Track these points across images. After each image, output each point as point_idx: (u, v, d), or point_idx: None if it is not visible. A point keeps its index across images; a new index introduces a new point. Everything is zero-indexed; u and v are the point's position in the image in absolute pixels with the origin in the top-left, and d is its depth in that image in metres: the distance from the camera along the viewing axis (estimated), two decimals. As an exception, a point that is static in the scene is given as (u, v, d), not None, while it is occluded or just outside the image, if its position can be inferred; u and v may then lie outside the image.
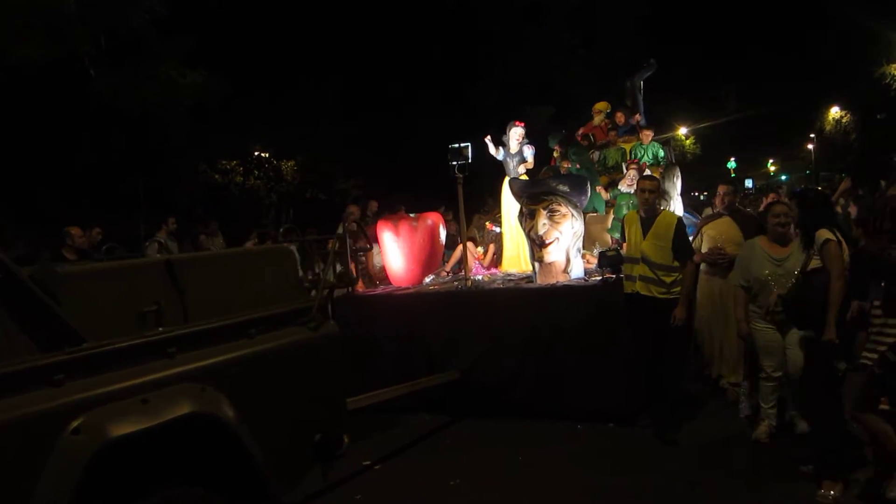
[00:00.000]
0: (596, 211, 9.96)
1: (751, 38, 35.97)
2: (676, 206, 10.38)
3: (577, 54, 28.56)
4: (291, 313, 4.22)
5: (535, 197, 7.20)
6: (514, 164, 8.63)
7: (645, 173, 8.83)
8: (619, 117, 12.16)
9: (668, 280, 6.17)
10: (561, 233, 7.15)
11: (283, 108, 24.85)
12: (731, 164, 45.46)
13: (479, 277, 8.13)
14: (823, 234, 4.93)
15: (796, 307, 5.11)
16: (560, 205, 7.12)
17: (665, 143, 12.32)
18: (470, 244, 9.05)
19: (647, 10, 29.54)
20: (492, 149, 8.70)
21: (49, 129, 21.02)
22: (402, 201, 13.59)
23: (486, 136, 8.63)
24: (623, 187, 9.61)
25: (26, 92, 19.44)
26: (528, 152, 8.66)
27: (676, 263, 6.17)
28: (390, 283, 8.29)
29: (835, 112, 40.48)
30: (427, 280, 8.11)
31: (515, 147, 8.68)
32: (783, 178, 54.71)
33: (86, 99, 20.70)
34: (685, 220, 7.03)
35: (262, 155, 26.28)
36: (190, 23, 21.18)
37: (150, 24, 20.04)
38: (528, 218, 7.27)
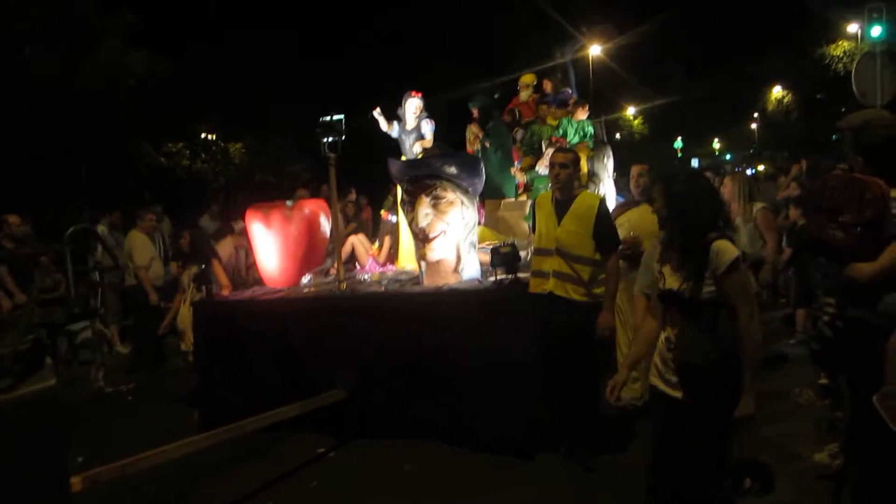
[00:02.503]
0: (505, 196, 8.30)
1: (696, 16, 34.48)
2: (607, 189, 8.86)
3: (527, 33, 26.81)
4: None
5: (417, 181, 5.49)
6: (411, 141, 6.94)
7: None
8: (547, 84, 10.42)
9: (588, 277, 4.60)
10: (448, 224, 5.46)
11: (231, 88, 22.93)
12: (678, 143, 44.08)
13: (367, 276, 6.45)
14: (728, 248, 3.12)
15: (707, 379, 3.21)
16: (446, 190, 5.41)
17: (597, 121, 10.70)
18: (362, 237, 7.40)
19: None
20: (383, 124, 7.00)
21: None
22: (354, 184, 12.13)
23: (374, 108, 6.92)
24: (541, 169, 7.95)
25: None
26: (427, 128, 6.97)
27: (598, 256, 4.61)
28: (264, 285, 6.57)
29: (777, 92, 39.25)
30: (305, 280, 6.41)
31: (412, 122, 7.00)
32: (728, 157, 53.49)
33: (21, 78, 18.71)
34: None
35: (209, 137, 24.29)
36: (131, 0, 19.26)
37: (87, 1, 18.17)
38: (409, 207, 5.57)
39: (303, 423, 5.26)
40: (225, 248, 6.73)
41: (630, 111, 38.45)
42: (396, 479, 4.87)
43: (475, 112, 9.02)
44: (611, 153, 9.28)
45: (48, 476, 2.92)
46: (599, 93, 25.88)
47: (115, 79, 19.15)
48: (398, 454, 5.20)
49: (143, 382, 8.09)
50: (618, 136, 36.24)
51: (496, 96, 10.93)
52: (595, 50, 26.64)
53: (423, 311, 5.25)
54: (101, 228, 10.31)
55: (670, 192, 3.26)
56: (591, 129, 9.43)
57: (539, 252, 4.78)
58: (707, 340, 3.08)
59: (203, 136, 24.21)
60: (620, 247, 4.98)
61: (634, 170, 5.72)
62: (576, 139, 9.26)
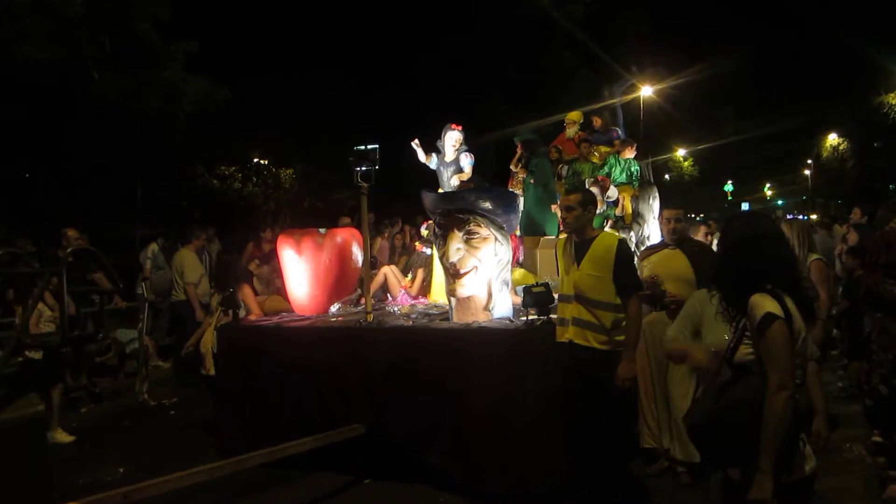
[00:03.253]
0: (546, 234, 8.02)
1: (752, 60, 33.93)
2: (653, 230, 8.55)
3: (577, 73, 26.61)
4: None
5: (449, 214, 5.26)
6: (449, 174, 6.75)
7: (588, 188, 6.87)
8: (597, 121, 10.21)
9: (609, 324, 4.26)
10: (480, 260, 5.21)
11: (285, 116, 23.23)
12: (729, 186, 43.08)
13: (396, 309, 6.22)
14: (762, 303, 2.58)
15: (707, 437, 2.72)
16: (480, 226, 5.18)
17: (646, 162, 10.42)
18: (395, 268, 7.19)
19: (650, 30, 27.43)
20: (421, 155, 6.84)
21: (50, 129, 19.76)
22: (399, 213, 12.15)
23: (413, 139, 6.76)
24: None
25: (28, 92, 18.03)
26: (466, 161, 6.79)
27: (619, 300, 4.25)
28: (293, 312, 6.39)
29: (832, 139, 38.26)
30: (333, 309, 6.22)
31: (451, 154, 6.82)
32: (780, 202, 52.22)
33: (88, 101, 19.28)
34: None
35: (262, 162, 24.58)
36: (192, 28, 19.69)
37: (153, 28, 18.62)
38: (440, 241, 5.34)
39: (316, 456, 5.03)
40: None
41: (680, 153, 37.79)
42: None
43: (520, 147, 8.82)
44: (656, 193, 8.98)
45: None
46: (649, 133, 25.49)
47: (174, 103, 19.52)
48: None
49: (186, 397, 8.07)
50: (667, 177, 35.66)
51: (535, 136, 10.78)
52: (646, 91, 26.31)
53: (449, 348, 4.98)
54: (154, 247, 10.45)
55: (725, 236, 2.89)
56: (636, 169, 9.16)
57: (561, 299, 4.53)
58: (712, 401, 2.64)
59: (255, 160, 24.51)
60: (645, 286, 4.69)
61: (668, 213, 5.26)
62: (622, 178, 9.00)
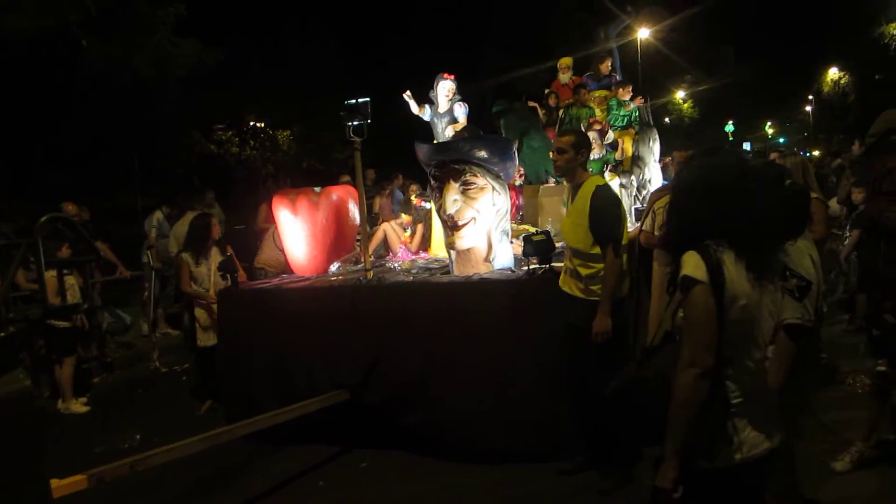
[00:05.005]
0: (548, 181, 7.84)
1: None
2: (654, 173, 8.43)
3: (574, 18, 26.02)
4: None
5: (445, 166, 5.10)
6: (443, 125, 6.56)
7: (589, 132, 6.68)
8: (605, 66, 9.95)
9: (586, 272, 4.09)
10: (478, 211, 5.07)
11: (278, 76, 22.80)
12: (729, 127, 42.49)
13: (397, 265, 6.10)
14: (685, 262, 2.18)
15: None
16: (476, 175, 5.02)
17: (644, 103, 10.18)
18: (394, 223, 7.06)
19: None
20: (414, 107, 6.65)
21: (41, 101, 19.43)
22: (399, 170, 11.98)
23: (405, 91, 6.56)
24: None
25: (17, 64, 17.69)
26: (460, 111, 6.60)
27: (597, 250, 4.06)
28: (292, 273, 6.29)
29: (833, 73, 37.50)
30: (333, 268, 6.10)
31: (445, 105, 6.63)
32: (781, 140, 51.59)
33: (77, 70, 18.93)
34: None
35: (258, 125, 24.19)
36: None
37: (139, -7, 18.15)
38: (437, 193, 5.20)
39: (311, 426, 4.91)
40: None
41: (680, 95, 37.18)
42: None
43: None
44: (657, 136, 8.82)
45: (26, 481, 2.66)
46: (647, 76, 25.03)
47: (165, 69, 19.14)
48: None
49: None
50: (667, 120, 35.17)
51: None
52: (643, 33, 25.76)
53: (448, 301, 4.87)
54: (159, 215, 10.34)
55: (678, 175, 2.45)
56: (636, 112, 8.97)
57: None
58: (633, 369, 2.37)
59: (251, 123, 24.15)
60: (657, 233, 4.57)
61: (678, 155, 5.13)
62: (621, 122, 8.82)
